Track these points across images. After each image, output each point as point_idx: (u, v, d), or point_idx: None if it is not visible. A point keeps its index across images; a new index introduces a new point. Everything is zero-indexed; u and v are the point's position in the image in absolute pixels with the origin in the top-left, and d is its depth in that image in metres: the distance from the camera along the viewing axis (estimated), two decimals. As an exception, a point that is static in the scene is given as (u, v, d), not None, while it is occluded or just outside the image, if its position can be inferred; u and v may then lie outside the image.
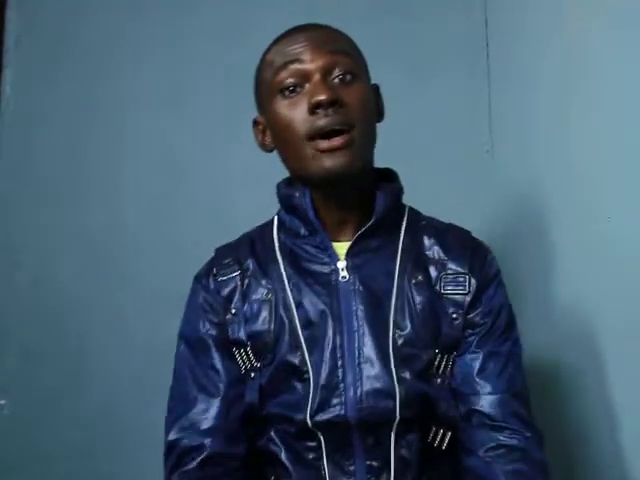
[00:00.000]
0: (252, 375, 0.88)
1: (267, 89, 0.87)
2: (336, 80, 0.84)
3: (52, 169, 1.39)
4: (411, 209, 0.96)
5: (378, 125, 0.90)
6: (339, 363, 0.84)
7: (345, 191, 0.87)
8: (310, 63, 0.83)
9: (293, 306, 0.87)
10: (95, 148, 1.40)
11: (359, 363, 0.84)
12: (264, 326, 0.88)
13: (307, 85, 0.83)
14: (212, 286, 0.92)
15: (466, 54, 1.50)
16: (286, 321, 0.87)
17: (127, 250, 1.38)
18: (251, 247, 0.94)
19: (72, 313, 1.35)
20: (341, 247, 0.89)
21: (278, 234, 0.94)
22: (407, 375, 0.83)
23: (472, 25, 1.51)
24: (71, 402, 1.33)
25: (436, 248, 0.91)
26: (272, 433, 0.88)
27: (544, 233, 1.19)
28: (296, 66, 0.84)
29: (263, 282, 0.90)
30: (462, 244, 0.91)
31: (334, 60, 0.84)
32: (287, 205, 0.91)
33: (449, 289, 0.88)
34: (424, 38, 1.50)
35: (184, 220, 1.40)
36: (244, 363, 0.89)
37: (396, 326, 0.85)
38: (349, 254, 0.88)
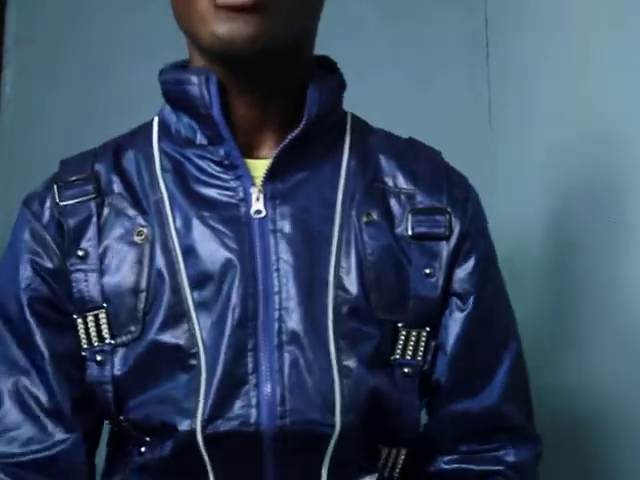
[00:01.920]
0: (98, 359, 0.59)
1: None
2: None
3: (52, 169, 1.39)
4: (355, 116, 0.69)
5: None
6: (249, 343, 0.57)
7: (260, 77, 0.59)
8: None
9: (179, 252, 0.59)
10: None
11: (280, 344, 0.57)
12: (129, 281, 0.59)
13: None
14: (47, 214, 0.63)
15: (466, 54, 1.50)
16: (166, 276, 0.59)
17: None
18: (116, 159, 0.65)
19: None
20: (256, 166, 0.61)
21: (159, 143, 0.65)
22: (353, 363, 0.58)
23: (472, 25, 1.51)
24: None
25: (398, 173, 0.65)
26: (131, 464, 0.60)
27: (544, 233, 1.20)
28: None
29: (132, 213, 0.61)
30: (434, 169, 0.67)
31: None
32: (175, 97, 0.63)
33: (420, 231, 0.62)
34: (424, 38, 1.49)
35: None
36: (87, 338, 0.60)
37: (338, 287, 0.59)
38: (268, 177, 0.60)
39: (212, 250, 0.59)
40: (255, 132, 0.62)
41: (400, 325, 0.60)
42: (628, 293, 0.94)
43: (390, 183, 0.64)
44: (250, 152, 0.61)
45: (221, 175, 0.61)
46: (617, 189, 0.97)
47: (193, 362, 0.57)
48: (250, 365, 0.56)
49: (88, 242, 0.61)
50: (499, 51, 1.46)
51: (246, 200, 0.60)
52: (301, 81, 0.61)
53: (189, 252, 0.59)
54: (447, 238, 0.62)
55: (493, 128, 1.47)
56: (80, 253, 0.60)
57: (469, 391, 0.64)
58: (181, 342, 0.57)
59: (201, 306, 0.58)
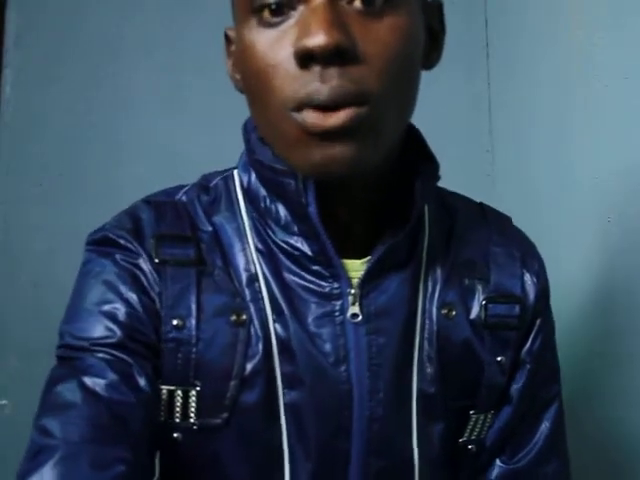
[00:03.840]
0: (175, 436, 0.55)
1: (240, 1, 0.52)
2: (356, 4, 0.48)
3: (52, 169, 1.39)
4: (428, 191, 0.61)
5: None
6: (339, 455, 0.56)
7: (356, 187, 0.56)
8: None
9: (275, 347, 0.55)
10: (95, 148, 1.40)
11: (368, 454, 0.56)
12: (223, 364, 0.55)
13: (301, 7, 0.48)
14: (146, 265, 0.56)
15: (466, 54, 1.50)
16: (261, 369, 0.55)
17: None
18: (212, 226, 0.59)
19: (72, 313, 1.35)
20: (349, 265, 0.57)
21: (247, 216, 0.59)
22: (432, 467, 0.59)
23: (472, 25, 1.51)
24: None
25: (474, 257, 0.63)
26: None
27: (544, 233, 1.19)
28: None
29: (231, 291, 0.56)
30: (508, 250, 0.64)
31: None
32: (270, 184, 0.57)
33: (494, 321, 0.61)
34: (424, 38, 1.49)
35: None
36: (168, 412, 0.55)
37: (421, 393, 0.58)
38: (366, 279, 0.56)
39: (306, 352, 0.55)
40: (345, 232, 0.57)
41: (472, 412, 0.61)
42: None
43: (467, 269, 0.62)
44: (341, 250, 0.56)
45: (316, 271, 0.56)
46: (619, 185, 0.97)
47: (277, 466, 0.55)
48: (338, 478, 0.56)
49: (186, 311, 0.55)
50: (499, 51, 1.46)
51: (342, 301, 0.56)
52: (392, 177, 0.58)
53: (284, 349, 0.55)
54: (519, 328, 0.62)
55: (493, 128, 1.47)
56: (175, 322, 0.55)
57: (511, 453, 0.64)
58: (266, 439, 0.55)
59: (290, 409, 0.55)
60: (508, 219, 0.69)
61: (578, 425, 0.93)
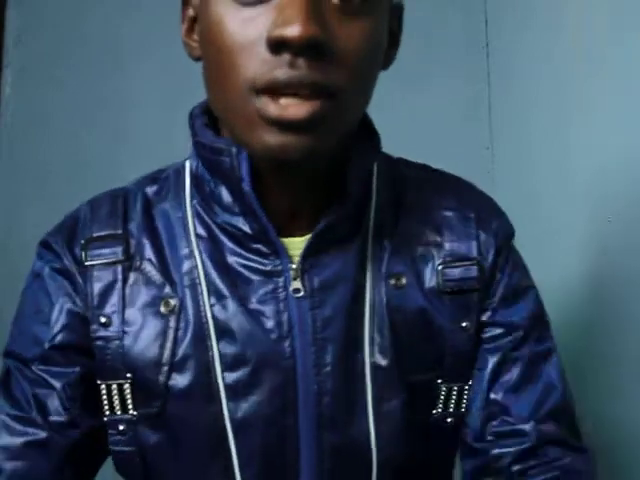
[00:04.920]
0: (120, 428, 0.57)
1: None
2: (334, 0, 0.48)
3: (52, 169, 1.39)
4: (379, 165, 0.64)
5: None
6: (287, 432, 0.56)
7: (303, 173, 0.56)
8: None
9: (212, 330, 0.56)
10: (95, 148, 1.40)
11: (319, 430, 0.56)
12: (152, 352, 0.56)
13: None
14: (73, 270, 0.59)
15: (466, 54, 1.50)
16: (195, 352, 0.56)
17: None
18: (147, 217, 0.61)
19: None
20: (292, 244, 0.58)
21: (192, 202, 0.60)
22: (390, 436, 0.58)
23: (472, 25, 1.51)
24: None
25: (425, 226, 0.62)
26: None
27: (543, 232, 1.19)
28: None
29: (160, 281, 0.58)
30: (462, 214, 0.64)
31: None
32: (209, 164, 0.57)
33: (451, 285, 0.60)
34: (424, 38, 1.50)
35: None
36: (109, 406, 0.57)
37: (374, 366, 0.58)
38: (306, 255, 0.57)
39: (248, 331, 0.56)
40: (290, 211, 0.58)
41: (440, 382, 0.60)
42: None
43: (417, 237, 0.62)
44: (285, 229, 0.57)
45: (257, 250, 0.57)
46: (619, 185, 0.97)
47: (222, 448, 0.55)
48: (290, 455, 0.56)
49: (111, 309, 0.57)
50: (499, 51, 1.46)
51: (284, 278, 0.56)
52: (342, 158, 0.57)
53: (223, 331, 0.56)
54: (479, 290, 0.61)
55: (493, 128, 1.47)
56: (103, 320, 0.57)
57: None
58: (207, 423, 0.55)
59: (232, 389, 0.55)
60: (467, 184, 0.68)
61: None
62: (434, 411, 0.60)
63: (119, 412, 0.57)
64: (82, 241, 0.60)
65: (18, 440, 0.56)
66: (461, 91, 1.49)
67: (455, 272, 0.61)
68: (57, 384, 0.57)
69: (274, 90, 0.48)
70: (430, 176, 0.67)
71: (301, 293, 0.56)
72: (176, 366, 0.56)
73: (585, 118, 1.06)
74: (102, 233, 0.60)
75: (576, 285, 1.09)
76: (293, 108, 0.47)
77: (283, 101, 0.48)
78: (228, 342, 0.56)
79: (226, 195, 0.56)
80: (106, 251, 0.59)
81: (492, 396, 0.60)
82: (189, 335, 0.56)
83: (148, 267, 0.58)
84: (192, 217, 0.60)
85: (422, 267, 0.61)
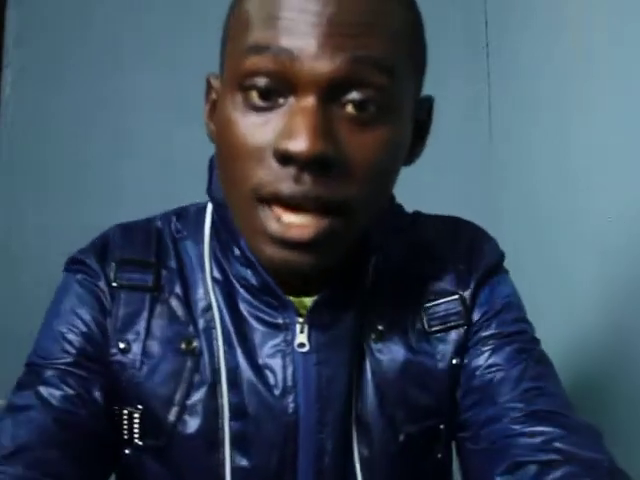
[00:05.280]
0: (126, 452, 0.57)
1: (230, 64, 0.50)
2: (348, 109, 0.46)
3: (52, 169, 1.39)
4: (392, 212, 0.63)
5: None
6: None
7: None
8: (307, 65, 0.45)
9: (224, 377, 0.56)
10: (95, 148, 1.40)
11: None
12: (165, 389, 0.56)
13: (292, 99, 0.46)
14: (103, 287, 0.58)
15: (466, 54, 1.50)
16: (206, 397, 0.55)
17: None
18: (177, 255, 0.61)
19: (72, 313, 1.35)
20: (300, 302, 0.58)
21: (210, 244, 0.60)
22: None
23: (472, 25, 1.51)
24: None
25: (412, 277, 0.62)
26: None
27: (543, 233, 1.19)
28: (281, 60, 0.45)
29: (184, 319, 0.58)
30: (445, 258, 0.63)
31: (355, 72, 0.46)
32: (222, 221, 0.59)
33: (435, 324, 0.60)
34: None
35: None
36: (119, 430, 0.57)
37: (359, 424, 0.56)
38: (313, 311, 0.56)
39: (253, 384, 0.55)
40: (301, 277, 0.57)
41: (442, 427, 0.59)
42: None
43: (398, 286, 0.60)
44: (293, 287, 0.57)
45: (267, 302, 0.57)
46: (619, 185, 0.97)
47: None
48: None
49: (133, 336, 0.57)
50: (499, 51, 1.46)
51: (291, 332, 0.56)
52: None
53: (233, 379, 0.56)
54: (464, 325, 0.59)
55: (493, 128, 1.47)
56: (122, 345, 0.57)
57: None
58: (209, 467, 0.55)
59: (236, 438, 0.55)
60: (443, 218, 0.67)
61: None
62: (438, 455, 0.59)
63: (126, 437, 0.57)
64: (113, 262, 0.59)
65: (59, 417, 0.53)
66: (461, 91, 1.49)
67: (439, 310, 0.60)
68: (84, 388, 0.55)
69: (277, 202, 0.47)
70: (414, 225, 0.66)
71: (306, 348, 0.56)
72: (187, 409, 0.55)
73: (585, 118, 1.06)
74: (134, 257, 0.60)
75: (576, 285, 1.09)
76: (297, 229, 0.47)
77: (286, 217, 0.47)
78: (235, 392, 0.55)
79: (235, 249, 0.57)
80: (136, 276, 0.58)
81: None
82: (203, 380, 0.56)
83: (175, 302, 0.58)
84: (210, 259, 0.60)
85: (404, 314, 0.60)
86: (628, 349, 0.94)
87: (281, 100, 0.47)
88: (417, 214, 0.69)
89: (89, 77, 1.41)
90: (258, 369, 0.56)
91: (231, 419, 0.55)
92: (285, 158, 0.45)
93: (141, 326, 0.57)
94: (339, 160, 0.46)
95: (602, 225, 1.00)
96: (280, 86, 0.46)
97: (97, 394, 0.55)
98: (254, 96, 0.47)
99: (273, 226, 0.47)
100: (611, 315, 0.99)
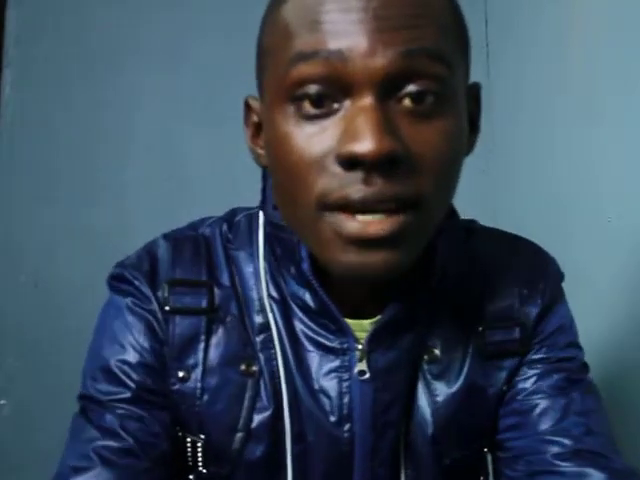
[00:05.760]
0: (191, 477, 0.57)
1: (273, 77, 0.47)
2: (406, 102, 0.44)
3: (52, 169, 1.39)
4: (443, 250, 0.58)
5: None
6: None
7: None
8: (360, 64, 0.43)
9: (285, 401, 0.54)
10: (95, 148, 1.40)
11: None
12: (229, 417, 0.54)
13: (347, 102, 0.44)
14: (156, 310, 0.56)
15: (466, 54, 1.50)
16: (269, 421, 0.54)
17: (129, 250, 1.37)
18: (230, 271, 0.58)
19: (72, 313, 1.35)
20: (359, 325, 0.55)
21: (265, 255, 0.58)
22: None
23: (472, 25, 1.50)
24: (72, 402, 1.33)
25: (474, 301, 0.59)
26: None
27: (543, 233, 1.19)
28: (332, 63, 0.43)
29: (243, 340, 0.56)
30: (508, 283, 0.60)
31: (409, 65, 0.44)
32: (277, 240, 0.56)
33: (492, 349, 0.58)
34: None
35: (189, 221, 1.40)
36: (183, 455, 0.56)
37: (410, 452, 0.56)
38: (373, 339, 0.54)
39: (309, 408, 0.54)
40: (358, 297, 0.55)
41: (486, 450, 0.59)
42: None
43: (455, 306, 0.58)
44: (353, 309, 0.55)
45: (324, 324, 0.54)
46: (619, 185, 0.97)
47: None
48: None
49: (192, 362, 0.54)
50: (499, 51, 1.46)
51: (349, 357, 0.54)
52: None
53: (292, 403, 0.54)
54: (521, 353, 0.58)
55: (493, 128, 1.47)
56: (181, 374, 0.54)
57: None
58: None
59: (298, 463, 0.54)
60: (504, 235, 0.65)
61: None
62: (481, 478, 0.60)
63: (190, 464, 0.56)
64: (164, 283, 0.56)
65: (121, 474, 0.52)
66: (461, 91, 1.49)
67: (497, 335, 0.58)
68: (149, 420, 0.54)
69: (348, 208, 0.44)
70: (470, 238, 0.63)
71: (367, 375, 0.53)
72: (252, 434, 0.54)
73: (586, 118, 1.06)
74: (186, 277, 0.57)
75: (576, 285, 1.09)
76: (374, 225, 0.44)
77: (361, 217, 0.44)
78: (295, 416, 0.54)
79: (292, 267, 0.54)
80: (190, 298, 0.56)
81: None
82: (265, 403, 0.54)
83: (232, 322, 0.56)
84: (265, 274, 0.57)
85: (460, 335, 0.57)
86: (628, 349, 0.94)
87: (335, 105, 0.45)
88: (471, 223, 0.66)
89: (89, 77, 1.41)
90: (314, 394, 0.54)
91: (293, 444, 0.54)
92: (351, 162, 0.43)
93: (199, 352, 0.55)
94: (406, 156, 0.44)
95: (602, 225, 1.00)
96: (333, 91, 0.44)
97: (159, 430, 0.53)
98: (307, 105, 0.45)
99: (349, 226, 0.44)
100: (611, 315, 0.99)
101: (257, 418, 0.54)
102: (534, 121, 1.26)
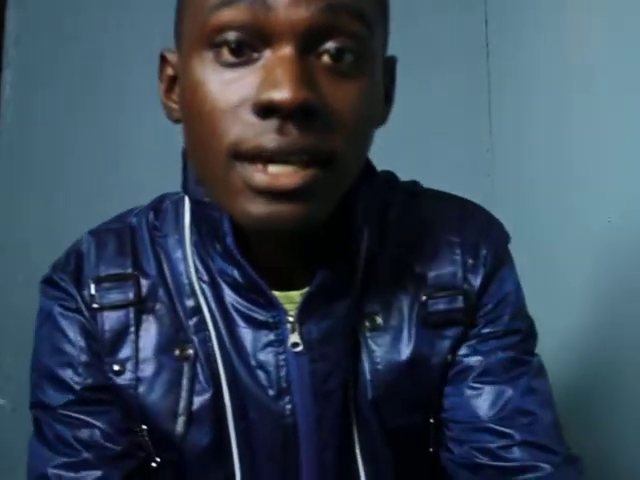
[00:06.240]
0: (153, 465, 0.57)
1: (192, 25, 0.47)
2: (325, 58, 0.45)
3: (52, 169, 1.39)
4: (373, 203, 0.59)
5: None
6: None
7: (292, 240, 0.54)
8: (282, 14, 0.43)
9: (223, 380, 0.54)
10: (95, 148, 1.40)
11: None
12: (168, 402, 0.54)
13: (267, 52, 0.44)
14: (83, 310, 0.56)
15: (466, 54, 1.50)
16: (210, 402, 0.54)
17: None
18: (156, 256, 0.58)
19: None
20: (288, 297, 0.55)
21: (192, 238, 0.58)
22: None
23: (472, 25, 1.51)
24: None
25: (410, 259, 0.59)
26: None
27: (543, 233, 1.19)
28: (254, 10, 0.43)
29: (173, 325, 0.56)
30: (447, 242, 0.60)
31: (331, 20, 0.44)
32: (199, 217, 0.56)
33: (435, 319, 0.57)
34: (424, 38, 1.49)
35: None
36: (142, 446, 0.57)
37: (359, 416, 0.56)
38: (303, 310, 0.54)
39: (246, 385, 0.54)
40: (283, 265, 0.55)
41: (432, 421, 0.58)
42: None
43: (399, 272, 0.58)
44: (281, 282, 0.55)
45: (254, 299, 0.54)
46: (620, 185, 0.97)
47: None
48: None
49: (124, 355, 0.55)
50: (499, 51, 1.46)
51: (281, 330, 0.54)
52: (339, 207, 0.52)
53: (231, 382, 0.54)
54: (465, 323, 0.57)
55: (493, 128, 1.47)
56: (116, 368, 0.55)
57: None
58: (220, 475, 0.55)
59: (243, 441, 0.54)
60: (454, 202, 0.63)
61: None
62: (430, 449, 0.59)
63: (148, 453, 0.56)
64: (90, 281, 0.57)
65: None
66: (461, 91, 1.49)
67: (439, 303, 0.57)
68: (99, 422, 0.55)
69: (260, 157, 0.44)
70: (413, 201, 0.63)
71: (300, 347, 0.54)
72: (193, 417, 0.54)
73: (585, 117, 1.06)
74: (111, 272, 0.57)
75: (576, 285, 1.09)
76: (284, 178, 0.44)
77: (272, 169, 0.44)
78: (235, 395, 0.54)
79: (217, 244, 0.54)
80: (116, 292, 0.56)
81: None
82: (204, 385, 0.54)
83: (162, 309, 0.56)
84: (193, 257, 0.57)
85: (404, 300, 0.57)
86: (627, 350, 0.94)
87: (255, 55, 0.44)
88: (415, 185, 0.65)
89: (88, 77, 1.41)
90: (251, 370, 0.54)
91: (235, 423, 0.54)
92: (267, 110, 0.43)
93: (130, 343, 0.55)
94: (323, 111, 0.44)
95: (602, 225, 1.00)
96: (253, 39, 0.44)
97: (111, 431, 0.55)
98: (225, 53, 0.44)
99: (258, 178, 0.44)
100: (611, 315, 0.99)
101: (197, 400, 0.54)
102: (534, 121, 1.26)
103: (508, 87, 1.40)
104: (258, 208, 0.45)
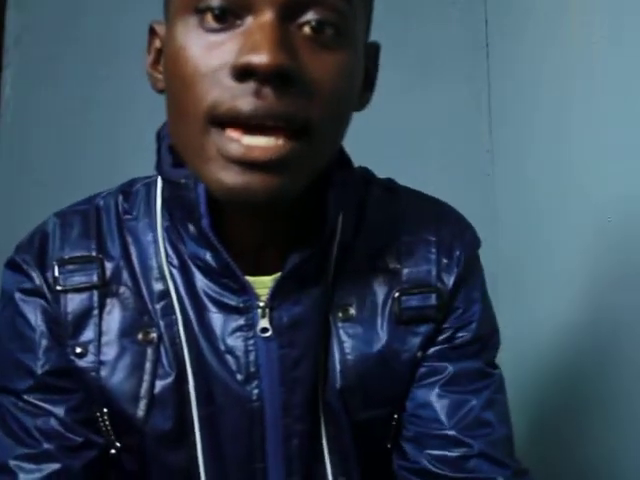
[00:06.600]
0: (112, 452, 0.57)
1: None
2: (306, 29, 0.45)
3: (52, 169, 1.39)
4: (345, 196, 0.58)
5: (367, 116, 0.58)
6: (257, 472, 0.55)
7: (266, 214, 0.54)
8: None
9: (188, 365, 0.54)
10: (95, 148, 1.40)
11: (289, 473, 0.55)
12: (129, 385, 0.54)
13: (249, 18, 0.45)
14: (45, 292, 0.56)
15: (466, 54, 1.50)
16: (173, 386, 0.54)
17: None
18: (122, 239, 0.58)
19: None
20: (260, 282, 0.56)
21: (162, 223, 0.57)
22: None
23: (472, 25, 1.52)
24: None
25: (384, 253, 0.59)
26: None
27: (543, 233, 1.19)
28: None
29: (138, 309, 0.56)
30: (422, 238, 0.60)
31: None
32: (173, 199, 0.55)
33: (408, 314, 0.58)
34: (424, 38, 1.49)
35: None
36: (102, 432, 0.56)
37: (326, 405, 0.56)
38: (274, 296, 0.55)
39: (214, 369, 0.54)
40: (257, 247, 0.55)
41: (396, 416, 0.59)
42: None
43: (374, 265, 0.58)
44: (253, 266, 0.55)
45: (226, 284, 0.54)
46: (620, 185, 0.97)
47: None
48: None
49: (87, 338, 0.55)
50: (499, 51, 1.46)
51: (252, 315, 0.54)
52: (313, 190, 0.53)
53: (196, 367, 0.54)
54: (436, 320, 0.58)
55: (493, 128, 1.47)
56: (78, 350, 0.55)
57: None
58: (181, 460, 0.55)
59: (205, 426, 0.54)
60: (430, 202, 0.64)
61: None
62: (388, 445, 0.60)
63: (107, 438, 0.56)
64: (53, 263, 0.56)
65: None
66: (461, 91, 1.49)
67: (414, 299, 0.58)
68: (59, 411, 0.55)
69: (236, 121, 0.44)
70: (391, 197, 0.63)
71: (269, 333, 0.54)
72: (155, 400, 0.54)
73: (585, 117, 1.06)
74: (75, 254, 0.57)
75: (576, 285, 1.09)
76: (258, 150, 0.44)
77: (247, 140, 0.44)
78: (200, 379, 0.54)
79: (191, 227, 0.54)
80: (80, 275, 0.56)
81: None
82: (167, 370, 0.54)
83: (126, 293, 0.56)
84: (163, 242, 0.57)
85: (377, 293, 0.58)
86: (627, 350, 0.94)
87: (238, 21, 0.45)
88: (391, 182, 0.66)
89: (88, 77, 1.41)
90: (220, 355, 0.54)
91: (199, 407, 0.54)
92: (245, 73, 0.43)
93: (93, 326, 0.55)
94: (301, 76, 0.44)
95: (602, 225, 1.00)
96: (237, 6, 0.44)
97: (72, 419, 0.55)
98: (209, 19, 0.45)
99: (232, 148, 0.44)
100: (612, 315, 0.99)
101: (159, 384, 0.54)
102: (534, 121, 1.26)
103: (508, 87, 1.40)
104: (231, 177, 0.45)
